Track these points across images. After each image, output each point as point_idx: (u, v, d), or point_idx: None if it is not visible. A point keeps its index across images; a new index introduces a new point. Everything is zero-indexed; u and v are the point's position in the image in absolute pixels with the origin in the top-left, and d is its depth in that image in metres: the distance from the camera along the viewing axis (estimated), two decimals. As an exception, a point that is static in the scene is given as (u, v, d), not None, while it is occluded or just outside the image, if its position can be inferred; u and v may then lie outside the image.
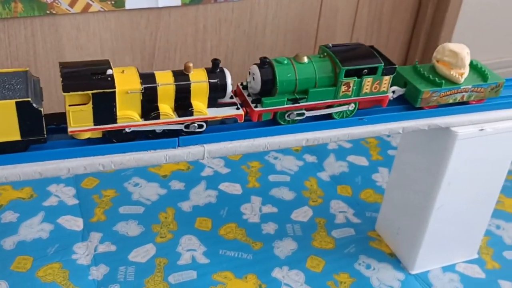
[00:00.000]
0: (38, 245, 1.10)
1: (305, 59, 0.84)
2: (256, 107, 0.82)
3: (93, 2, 1.27)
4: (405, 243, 1.13)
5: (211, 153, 0.81)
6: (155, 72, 0.77)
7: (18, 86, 0.71)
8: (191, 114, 0.78)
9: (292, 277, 1.08)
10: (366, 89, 0.86)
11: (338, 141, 1.51)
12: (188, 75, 0.77)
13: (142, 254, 1.10)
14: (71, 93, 0.70)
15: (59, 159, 0.74)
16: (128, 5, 1.31)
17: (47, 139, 0.73)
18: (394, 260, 1.14)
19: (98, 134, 0.76)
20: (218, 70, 0.79)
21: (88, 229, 1.15)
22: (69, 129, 0.73)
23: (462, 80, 0.92)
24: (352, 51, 0.88)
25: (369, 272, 1.11)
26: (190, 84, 0.77)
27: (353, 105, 0.87)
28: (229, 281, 1.06)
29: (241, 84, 0.87)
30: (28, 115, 0.70)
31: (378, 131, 0.90)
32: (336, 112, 0.87)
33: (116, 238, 1.13)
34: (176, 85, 0.77)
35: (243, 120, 0.82)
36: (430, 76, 0.92)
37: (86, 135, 0.75)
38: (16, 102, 0.68)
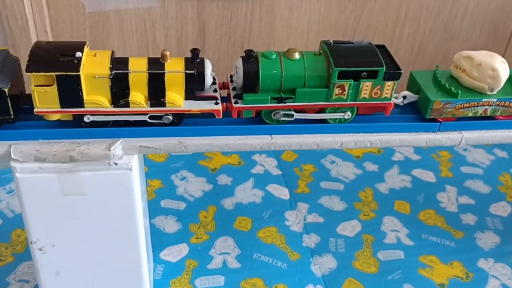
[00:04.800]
0: (253, 208, 1.19)
1: (296, 55, 0.76)
2: (236, 103, 0.76)
3: (309, -15, 1.33)
4: None
5: (468, 140, 0.84)
6: (130, 58, 0.73)
7: None
8: (163, 105, 0.74)
9: (499, 270, 1.08)
10: (365, 94, 0.77)
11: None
12: (163, 64, 0.73)
13: (349, 228, 1.16)
14: (33, 73, 0.68)
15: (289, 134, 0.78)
16: (339, -11, 1.35)
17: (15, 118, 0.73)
18: None
19: (68, 117, 0.74)
20: (198, 60, 0.74)
21: (294, 199, 1.23)
22: (35, 110, 0.71)
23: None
24: (353, 50, 0.78)
25: None
26: (164, 73, 0.72)
27: (349, 113, 0.79)
28: (436, 265, 1.08)
29: (231, 76, 0.81)
30: None
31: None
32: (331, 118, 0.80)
33: (322, 210, 1.20)
34: (149, 73, 0.72)
35: (221, 116, 0.76)
36: (447, 85, 0.81)
37: (55, 117, 0.73)
38: None
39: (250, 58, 0.76)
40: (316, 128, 0.80)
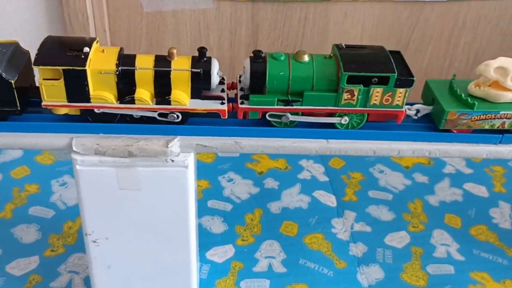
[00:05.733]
0: (300, 213, 1.19)
1: (305, 58, 0.74)
2: (242, 103, 0.75)
3: (366, -9, 1.31)
4: None
5: (531, 154, 0.81)
6: (137, 55, 0.73)
7: None
8: (168, 102, 0.73)
9: (554, 292, 1.04)
10: (375, 100, 0.75)
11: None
12: (170, 62, 0.72)
13: (397, 239, 1.14)
14: (41, 66, 0.69)
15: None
16: (396, -4, 1.33)
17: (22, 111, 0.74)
18: None
19: (75, 111, 0.74)
20: (205, 59, 0.73)
21: (342, 207, 1.21)
22: (43, 103, 0.72)
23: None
24: (365, 55, 0.76)
25: None
26: (170, 71, 0.72)
27: (346, 118, 0.76)
28: (487, 283, 1.05)
29: (240, 76, 0.79)
30: None
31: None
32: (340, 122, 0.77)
33: (370, 220, 1.18)
34: (155, 70, 0.72)
35: (226, 116, 0.75)
36: (463, 95, 0.78)
37: (62, 111, 0.74)
38: None
39: (258, 58, 0.74)
40: (373, 134, 0.79)
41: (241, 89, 0.78)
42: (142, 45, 1.32)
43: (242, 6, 1.30)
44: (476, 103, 0.77)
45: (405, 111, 0.77)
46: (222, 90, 0.77)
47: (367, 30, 1.38)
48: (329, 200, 1.24)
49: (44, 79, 0.71)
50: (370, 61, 0.75)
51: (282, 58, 0.74)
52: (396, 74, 0.73)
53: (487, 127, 0.79)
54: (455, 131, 0.79)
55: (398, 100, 0.75)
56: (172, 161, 0.75)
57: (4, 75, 0.70)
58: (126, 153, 0.74)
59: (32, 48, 0.76)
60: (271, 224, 1.15)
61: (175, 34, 1.32)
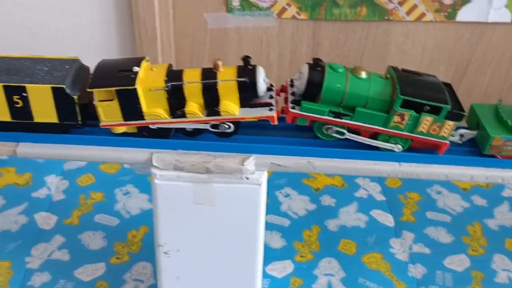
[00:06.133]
0: (357, 232, 1.19)
1: (363, 74, 0.74)
2: (293, 108, 0.75)
3: (428, 12, 1.31)
4: None
5: None
6: (184, 70, 0.76)
7: (61, 73, 0.76)
8: (218, 113, 0.75)
9: None
10: (423, 128, 0.75)
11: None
12: (216, 73, 0.74)
13: (456, 262, 1.13)
14: (95, 89, 0.73)
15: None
16: (458, 18, 1.33)
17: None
18: None
19: (133, 129, 0.78)
20: (250, 68, 0.74)
21: (399, 227, 1.21)
22: (101, 124, 0.76)
23: None
24: (420, 81, 0.77)
25: None
26: (217, 82, 0.74)
27: (400, 146, 0.77)
28: (551, 312, 1.03)
29: (291, 80, 0.80)
30: (62, 100, 0.74)
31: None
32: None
33: (428, 241, 1.18)
34: (202, 83, 0.74)
35: (276, 122, 0.76)
36: (509, 121, 0.78)
37: (121, 130, 0.77)
38: (52, 87, 0.73)
39: (317, 66, 0.75)
40: (445, 159, 0.79)
41: (292, 94, 0.79)
42: (204, 60, 1.36)
43: (304, 24, 1.33)
44: None
45: (449, 143, 0.78)
46: (271, 97, 0.79)
47: (427, 51, 1.38)
48: (387, 219, 1.23)
49: (99, 100, 0.74)
50: (425, 88, 0.76)
51: (341, 70, 0.75)
52: (450, 106, 0.74)
53: None
54: (499, 157, 0.79)
55: (445, 132, 0.76)
56: (247, 178, 0.77)
57: (68, 91, 0.74)
58: (204, 169, 0.77)
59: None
60: (329, 241, 1.16)
61: (237, 50, 1.35)
